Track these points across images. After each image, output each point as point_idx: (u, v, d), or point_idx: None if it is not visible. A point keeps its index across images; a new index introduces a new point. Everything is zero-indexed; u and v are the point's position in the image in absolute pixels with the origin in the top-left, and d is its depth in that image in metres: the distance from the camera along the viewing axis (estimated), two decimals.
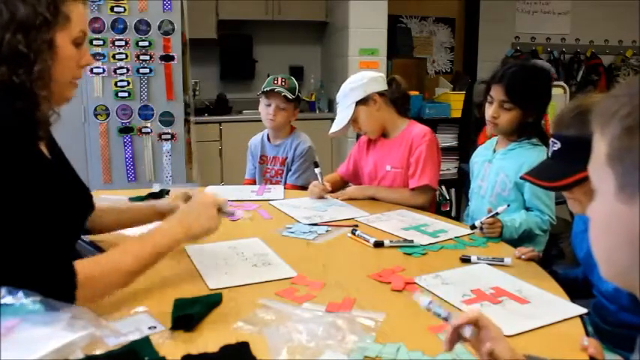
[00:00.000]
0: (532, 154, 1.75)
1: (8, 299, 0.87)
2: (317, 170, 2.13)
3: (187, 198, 1.43)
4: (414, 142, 2.07)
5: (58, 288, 0.97)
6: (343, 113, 2.12)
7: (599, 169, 0.55)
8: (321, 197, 2.07)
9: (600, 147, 0.55)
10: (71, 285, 0.99)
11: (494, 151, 1.91)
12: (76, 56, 1.12)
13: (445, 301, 1.17)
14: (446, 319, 0.85)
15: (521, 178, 1.41)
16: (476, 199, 1.94)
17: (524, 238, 1.69)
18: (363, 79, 2.10)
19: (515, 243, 1.60)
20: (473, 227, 1.65)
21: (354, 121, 2.11)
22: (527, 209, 1.77)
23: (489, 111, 1.82)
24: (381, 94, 2.10)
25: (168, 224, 1.20)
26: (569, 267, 1.59)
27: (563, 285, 1.26)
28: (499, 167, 1.85)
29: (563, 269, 1.54)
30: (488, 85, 1.85)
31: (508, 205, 1.62)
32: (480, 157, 1.99)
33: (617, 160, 0.52)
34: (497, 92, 1.79)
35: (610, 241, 0.55)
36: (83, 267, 1.01)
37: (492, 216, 1.61)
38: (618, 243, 0.54)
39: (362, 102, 2.08)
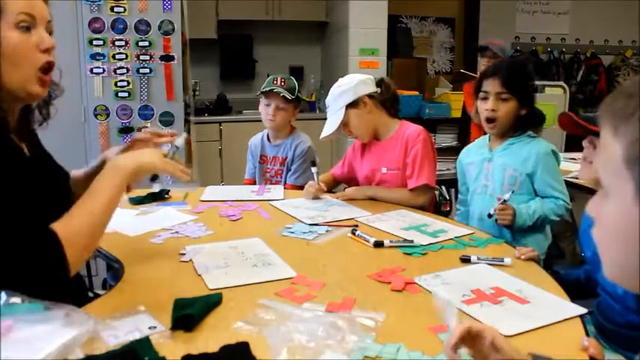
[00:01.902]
0: (534, 146, 1.83)
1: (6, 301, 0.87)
2: (314, 170, 2.12)
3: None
4: (408, 142, 2.06)
5: (44, 253, 0.98)
6: (333, 117, 2.10)
7: (615, 170, 0.53)
8: (316, 197, 2.07)
9: (614, 147, 0.52)
10: (56, 245, 0.99)
11: (491, 149, 1.93)
12: (27, 41, 1.05)
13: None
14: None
15: (561, 118, 1.35)
16: (482, 199, 1.93)
17: (537, 227, 1.79)
18: (352, 82, 2.07)
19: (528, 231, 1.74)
20: (489, 216, 1.74)
21: (344, 124, 2.09)
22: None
23: (485, 106, 1.83)
24: (370, 96, 2.08)
25: (115, 160, 1.25)
26: (570, 267, 1.59)
27: (565, 285, 1.26)
28: (503, 163, 1.86)
29: (564, 269, 1.54)
30: (479, 81, 1.88)
31: (513, 192, 1.72)
32: (475, 157, 1.99)
33: (638, 163, 0.50)
34: (492, 85, 1.82)
35: (623, 244, 0.53)
36: (61, 225, 1.02)
37: (502, 203, 1.71)
38: (632, 247, 0.52)
39: (352, 105, 2.06)
